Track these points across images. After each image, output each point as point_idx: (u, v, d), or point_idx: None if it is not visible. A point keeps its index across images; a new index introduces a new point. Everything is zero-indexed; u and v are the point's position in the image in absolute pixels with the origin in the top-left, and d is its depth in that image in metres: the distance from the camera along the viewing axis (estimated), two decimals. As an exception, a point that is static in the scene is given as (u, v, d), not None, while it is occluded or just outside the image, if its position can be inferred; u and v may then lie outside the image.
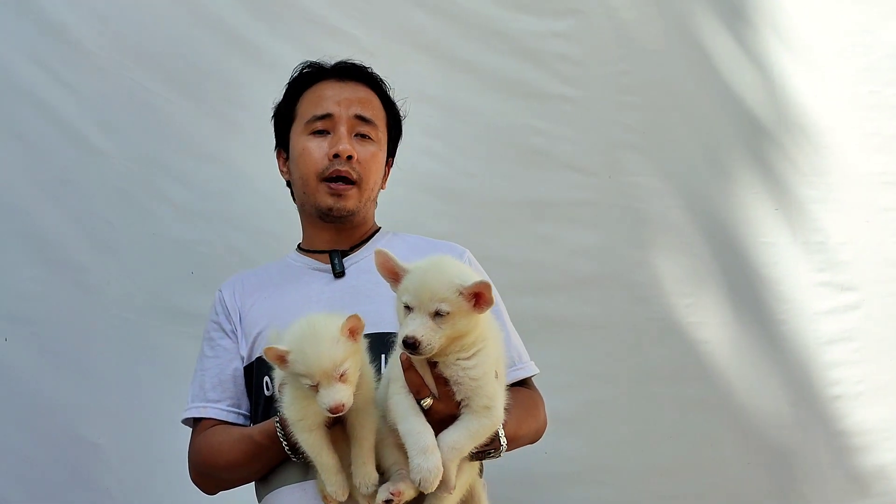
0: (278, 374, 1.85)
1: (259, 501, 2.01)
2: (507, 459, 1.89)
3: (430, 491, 1.66)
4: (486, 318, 1.72)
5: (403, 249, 2.00)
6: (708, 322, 3.07)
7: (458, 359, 1.69)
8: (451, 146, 2.99)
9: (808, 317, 3.08)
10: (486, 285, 1.64)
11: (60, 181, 2.83)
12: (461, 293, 1.65)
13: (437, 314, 1.65)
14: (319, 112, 2.16)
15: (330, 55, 2.24)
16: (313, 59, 2.25)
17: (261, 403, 2.03)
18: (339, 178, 2.12)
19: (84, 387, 2.80)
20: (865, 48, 3.23)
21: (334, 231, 2.18)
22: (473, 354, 1.70)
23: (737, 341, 3.07)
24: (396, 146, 2.31)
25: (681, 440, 3.01)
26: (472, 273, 1.73)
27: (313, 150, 2.14)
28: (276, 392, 1.88)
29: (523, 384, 2.09)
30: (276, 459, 1.90)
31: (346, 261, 2.15)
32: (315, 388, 1.66)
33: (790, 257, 3.11)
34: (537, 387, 2.14)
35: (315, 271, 2.15)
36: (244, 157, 2.92)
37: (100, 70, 2.86)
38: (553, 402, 2.16)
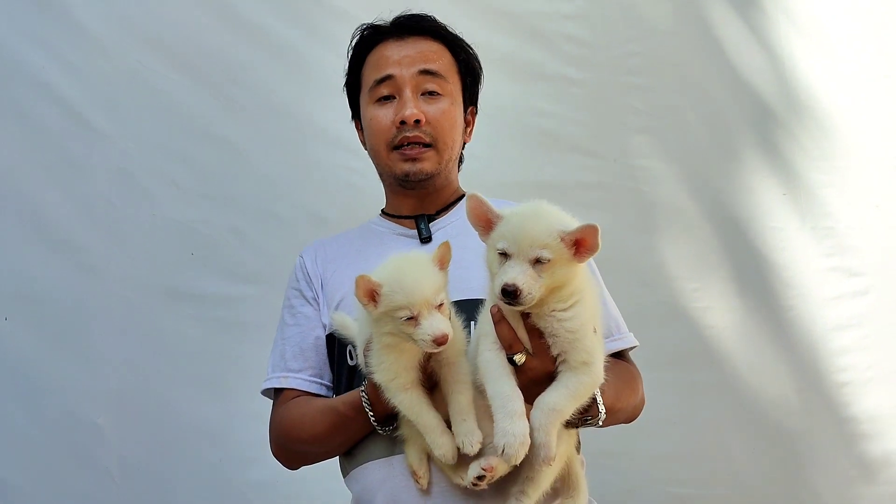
0: (361, 340, 1.76)
1: (344, 476, 1.93)
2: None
3: (515, 461, 1.54)
4: (583, 270, 1.62)
5: None
6: (714, 307, 3.05)
7: (554, 310, 1.59)
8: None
9: (816, 302, 3.06)
10: (593, 230, 1.53)
11: (62, 162, 2.81)
12: (563, 239, 1.54)
13: (538, 261, 1.54)
14: (379, 75, 2.02)
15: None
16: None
17: (344, 374, 1.93)
18: (410, 143, 2.00)
19: (84, 366, 2.79)
20: (878, 32, 3.18)
21: (417, 197, 2.06)
22: (570, 306, 1.59)
23: (743, 327, 3.05)
24: (477, 93, 2.16)
25: (685, 426, 2.99)
26: (572, 219, 1.61)
27: (380, 119, 2.02)
28: (361, 360, 1.77)
29: (620, 357, 1.97)
30: (362, 432, 1.81)
31: (433, 226, 2.05)
32: (413, 321, 1.57)
33: (798, 242, 3.08)
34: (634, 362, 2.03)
35: (400, 237, 2.05)
36: (246, 138, 2.90)
37: (103, 52, 2.84)
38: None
